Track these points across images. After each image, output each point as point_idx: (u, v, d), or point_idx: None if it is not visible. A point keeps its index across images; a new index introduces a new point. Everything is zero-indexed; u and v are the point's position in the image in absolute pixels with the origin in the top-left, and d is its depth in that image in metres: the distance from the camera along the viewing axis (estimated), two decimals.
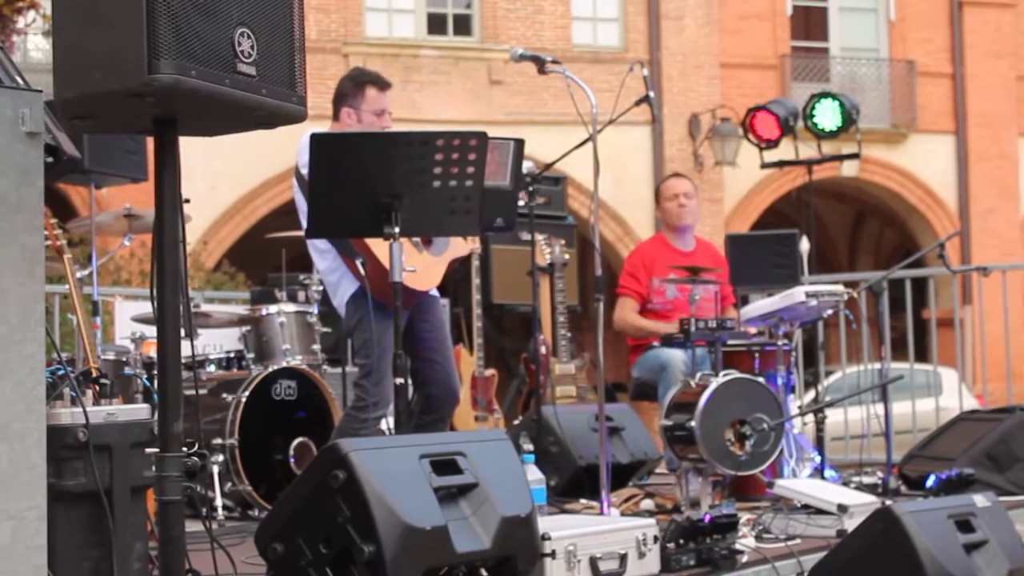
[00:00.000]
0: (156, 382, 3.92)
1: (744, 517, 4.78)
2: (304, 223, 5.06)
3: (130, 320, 6.73)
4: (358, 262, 5.13)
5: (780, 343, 6.03)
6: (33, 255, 2.77)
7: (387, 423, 6.61)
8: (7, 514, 2.70)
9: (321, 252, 5.33)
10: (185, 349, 2.99)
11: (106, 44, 2.68)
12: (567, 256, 7.84)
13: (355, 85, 5.39)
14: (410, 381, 5.20)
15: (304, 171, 5.13)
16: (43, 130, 2.80)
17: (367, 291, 5.12)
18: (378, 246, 5.01)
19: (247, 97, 2.86)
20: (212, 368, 6.54)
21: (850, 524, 4.70)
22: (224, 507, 5.87)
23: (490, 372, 7.73)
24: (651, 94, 5.74)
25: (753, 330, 6.22)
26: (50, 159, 2.93)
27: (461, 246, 5.50)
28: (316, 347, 6.51)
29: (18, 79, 2.96)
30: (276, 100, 2.93)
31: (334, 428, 5.61)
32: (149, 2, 2.64)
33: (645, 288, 6.63)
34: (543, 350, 7.41)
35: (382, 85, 5.41)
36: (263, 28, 2.88)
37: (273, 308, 6.47)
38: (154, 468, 2.94)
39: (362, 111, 5.34)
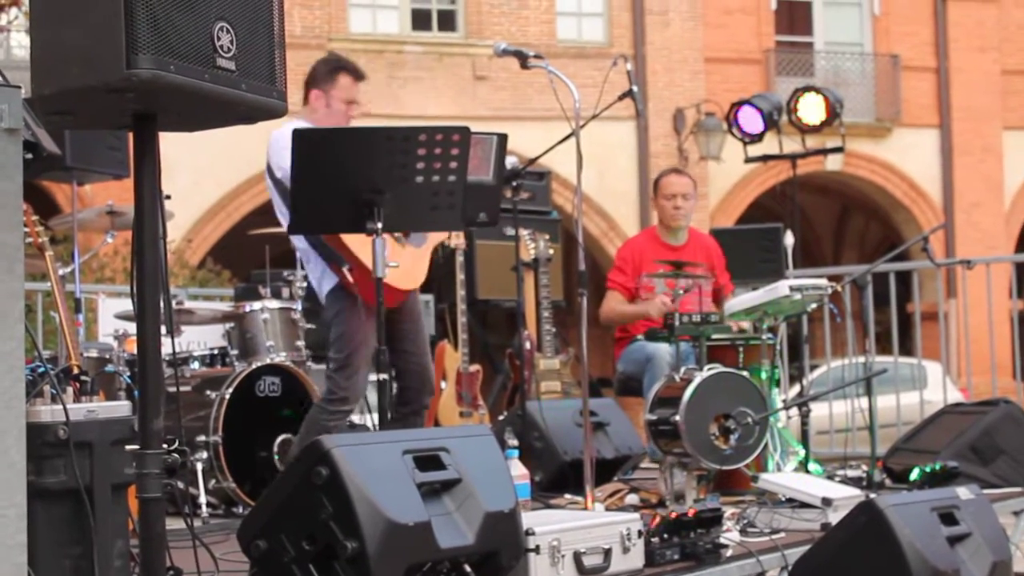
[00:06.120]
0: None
1: (728, 511, 4.78)
2: (282, 220, 5.05)
3: (113, 317, 6.71)
4: (344, 269, 5.11)
5: (765, 337, 6.02)
6: (12, 252, 2.75)
7: (371, 420, 6.60)
8: None
9: (304, 251, 5.32)
10: (167, 346, 2.98)
11: (84, 39, 2.66)
12: (551, 251, 7.84)
13: (329, 70, 5.35)
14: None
15: (277, 169, 5.11)
16: (22, 126, 2.79)
17: (348, 289, 5.11)
18: (361, 249, 4.99)
19: (227, 92, 2.84)
20: (196, 365, 6.53)
21: (834, 517, 4.69)
22: (208, 504, 5.86)
23: (475, 368, 7.72)
24: (634, 88, 5.72)
25: (745, 325, 6.16)
26: (29, 155, 2.92)
27: (439, 233, 5.46)
28: (300, 343, 6.49)
29: None
30: (256, 95, 2.91)
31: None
32: None
33: (632, 283, 6.61)
34: (528, 345, 7.40)
35: (357, 75, 5.37)
36: (242, 23, 2.87)
37: (257, 305, 6.46)
38: (134, 465, 2.92)
39: (332, 96, 5.30)
